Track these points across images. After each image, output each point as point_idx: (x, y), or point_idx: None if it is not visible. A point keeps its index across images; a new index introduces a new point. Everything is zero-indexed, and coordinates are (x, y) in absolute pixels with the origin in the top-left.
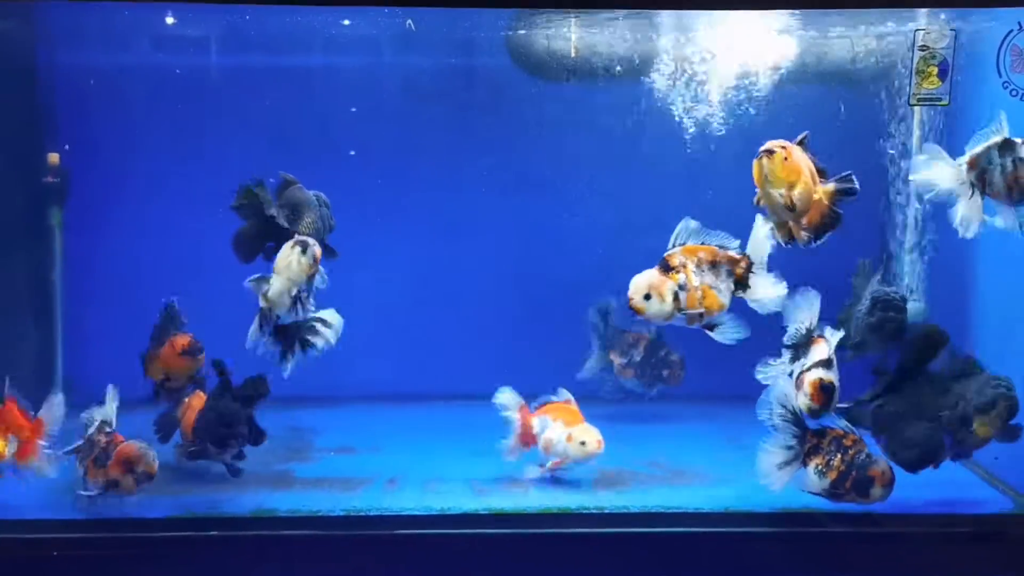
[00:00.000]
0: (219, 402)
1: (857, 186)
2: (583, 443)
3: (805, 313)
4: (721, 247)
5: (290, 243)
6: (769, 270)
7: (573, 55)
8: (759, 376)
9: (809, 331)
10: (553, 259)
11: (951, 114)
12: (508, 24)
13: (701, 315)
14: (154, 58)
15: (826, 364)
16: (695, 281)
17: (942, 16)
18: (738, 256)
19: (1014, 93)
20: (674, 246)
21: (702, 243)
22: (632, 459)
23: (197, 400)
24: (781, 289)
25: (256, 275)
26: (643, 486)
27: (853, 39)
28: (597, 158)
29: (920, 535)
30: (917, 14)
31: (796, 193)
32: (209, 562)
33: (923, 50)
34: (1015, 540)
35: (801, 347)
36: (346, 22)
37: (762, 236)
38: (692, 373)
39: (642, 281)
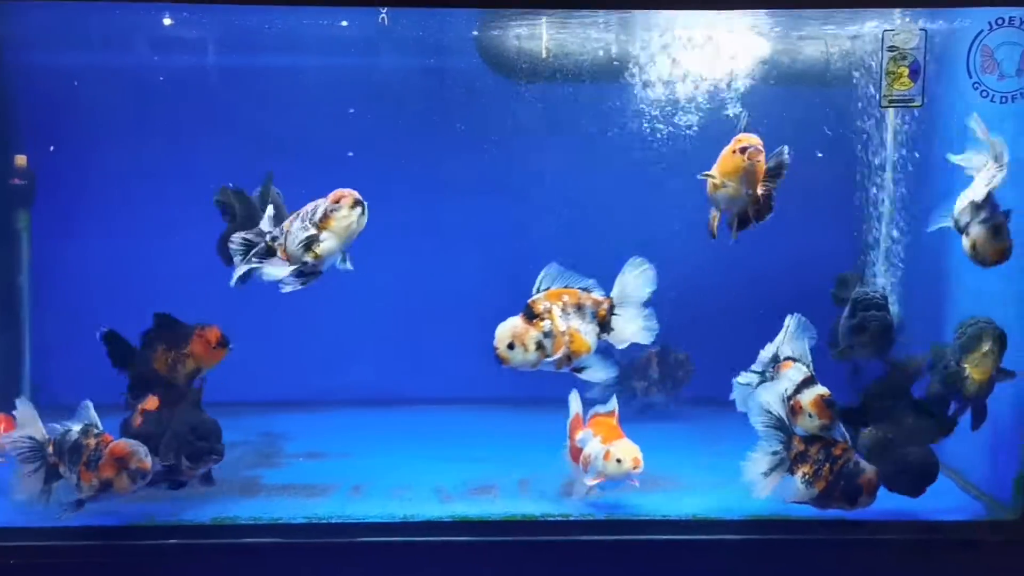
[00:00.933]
0: (192, 415)
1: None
2: (619, 461)
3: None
4: (584, 289)
5: (348, 203)
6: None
7: (544, 56)
8: (736, 402)
9: (776, 356)
10: (535, 262)
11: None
12: (478, 24)
13: (568, 358)
14: (124, 59)
15: (812, 381)
16: (561, 326)
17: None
18: (601, 298)
19: (984, 94)
20: (538, 291)
21: (566, 286)
22: None
23: (151, 404)
24: (645, 335)
25: (307, 235)
26: (610, 493)
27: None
28: (577, 159)
29: (892, 541)
30: (892, 14)
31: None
32: (169, 571)
33: (892, 51)
34: (988, 546)
35: (769, 371)
36: (344, 23)
37: (633, 277)
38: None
39: (506, 330)
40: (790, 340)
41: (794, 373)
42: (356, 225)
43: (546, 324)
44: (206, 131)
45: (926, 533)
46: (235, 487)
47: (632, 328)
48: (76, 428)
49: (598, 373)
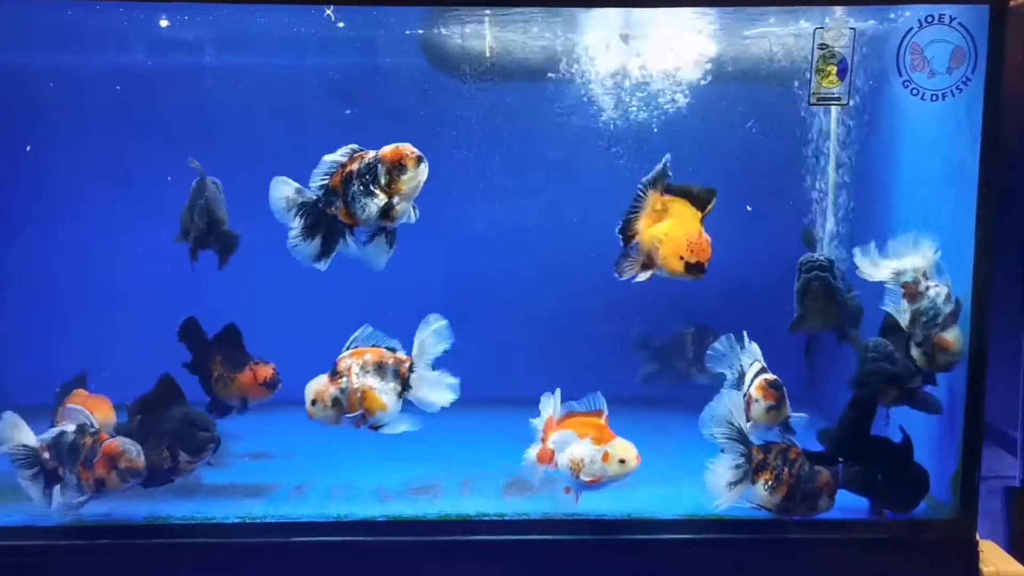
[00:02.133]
0: (181, 409)
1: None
2: (622, 461)
3: (731, 360)
4: (390, 349)
5: (412, 164)
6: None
7: (488, 54)
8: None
9: (741, 372)
10: (488, 261)
11: None
12: (422, 23)
13: (363, 416)
14: (72, 58)
15: (761, 371)
16: (356, 384)
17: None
18: (404, 357)
19: (915, 92)
20: (347, 350)
21: (373, 345)
22: None
23: (74, 397)
24: (447, 393)
25: (380, 204)
26: (549, 492)
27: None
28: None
29: (830, 541)
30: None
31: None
32: (99, 571)
33: (822, 48)
34: (925, 545)
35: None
36: (334, 20)
37: (428, 335)
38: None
39: (311, 387)
40: (746, 352)
41: (749, 373)
42: (423, 176)
43: (344, 381)
44: (156, 131)
45: (865, 532)
46: (175, 487)
47: (430, 386)
48: (71, 429)
49: (395, 429)
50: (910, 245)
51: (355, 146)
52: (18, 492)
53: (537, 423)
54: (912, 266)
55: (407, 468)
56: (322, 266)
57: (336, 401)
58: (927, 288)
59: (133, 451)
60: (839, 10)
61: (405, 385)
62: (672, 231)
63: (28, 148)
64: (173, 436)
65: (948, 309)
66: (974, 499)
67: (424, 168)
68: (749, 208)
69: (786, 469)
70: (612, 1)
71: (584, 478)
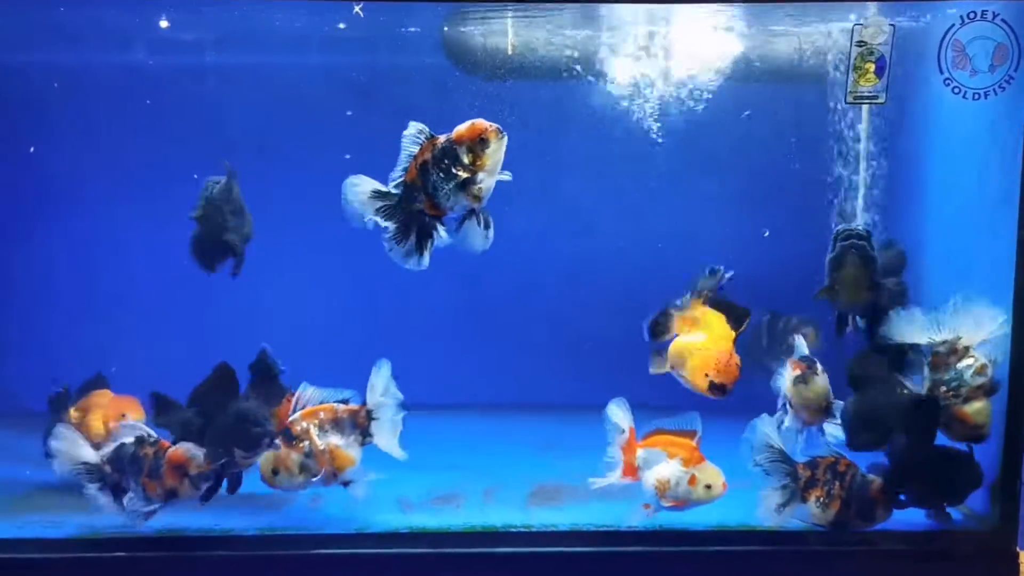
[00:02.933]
0: (237, 404)
1: None
2: (708, 487)
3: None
4: (342, 401)
5: (494, 137)
6: None
7: (510, 52)
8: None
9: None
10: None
11: None
12: (444, 20)
13: (335, 474)
14: (70, 57)
15: None
16: (320, 444)
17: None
18: (357, 407)
19: (956, 90)
20: (295, 411)
21: (322, 402)
22: (576, 472)
23: (101, 398)
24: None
25: (465, 181)
26: (577, 501)
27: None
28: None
29: (867, 552)
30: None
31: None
32: None
33: (860, 46)
34: (962, 557)
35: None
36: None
37: (377, 380)
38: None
39: (268, 458)
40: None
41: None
42: (503, 152)
43: (305, 445)
44: (151, 131)
45: (901, 543)
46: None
47: (389, 431)
48: (129, 440)
49: (365, 486)
50: (973, 314)
51: (422, 126)
52: (29, 504)
53: (618, 442)
54: (954, 336)
55: (427, 477)
56: (423, 264)
57: (303, 466)
58: (957, 360)
59: (200, 456)
60: (874, 7)
61: (366, 434)
62: (704, 347)
63: (32, 149)
64: (226, 433)
65: (976, 382)
66: (1015, 509)
67: (505, 139)
68: (767, 233)
69: (836, 483)
70: None
71: (666, 502)
